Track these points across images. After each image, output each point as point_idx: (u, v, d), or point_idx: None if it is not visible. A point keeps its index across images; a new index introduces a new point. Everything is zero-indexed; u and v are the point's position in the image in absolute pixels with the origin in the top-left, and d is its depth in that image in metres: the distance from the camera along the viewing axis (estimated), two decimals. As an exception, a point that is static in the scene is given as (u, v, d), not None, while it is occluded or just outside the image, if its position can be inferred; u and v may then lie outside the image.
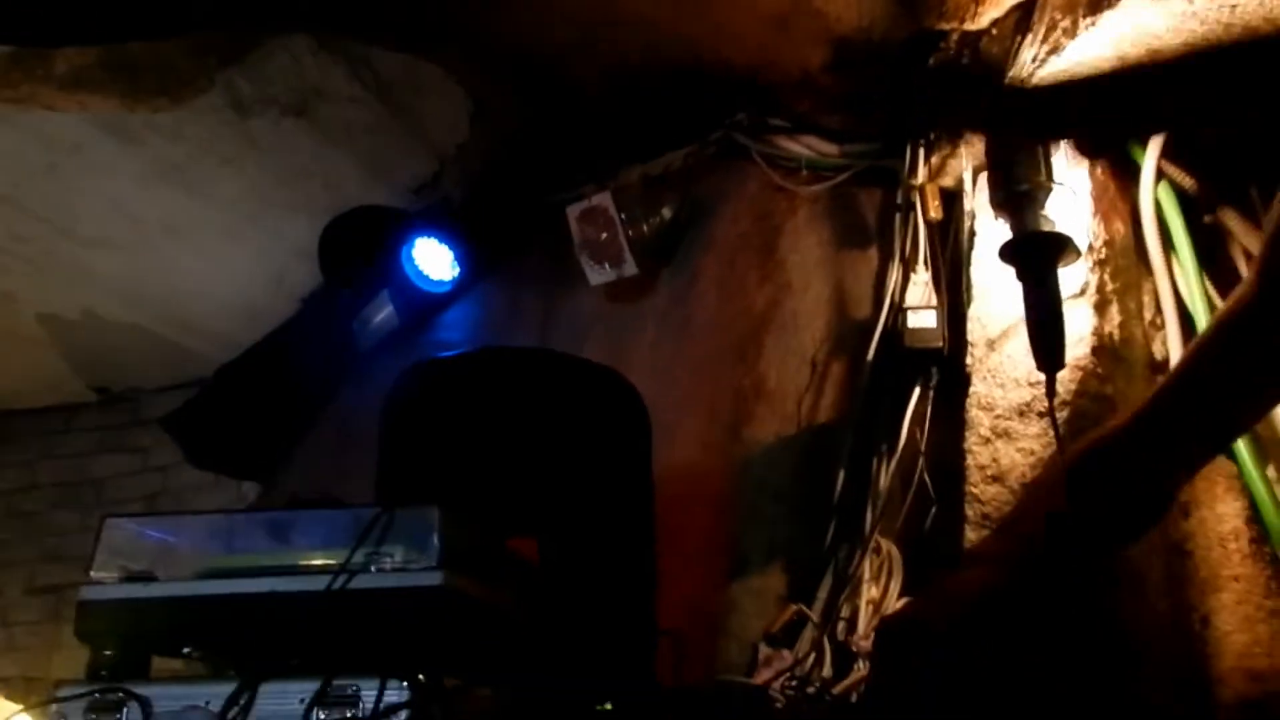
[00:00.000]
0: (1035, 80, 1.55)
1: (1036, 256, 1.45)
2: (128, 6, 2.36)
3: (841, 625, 1.59)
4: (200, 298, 3.63)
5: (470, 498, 1.38)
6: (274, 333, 3.59)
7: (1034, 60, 1.53)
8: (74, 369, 4.03)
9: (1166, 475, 1.24)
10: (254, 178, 3.03)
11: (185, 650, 1.20)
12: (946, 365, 1.72)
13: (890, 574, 1.58)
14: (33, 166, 2.86)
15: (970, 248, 1.75)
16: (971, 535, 1.52)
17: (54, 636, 3.96)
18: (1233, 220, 1.64)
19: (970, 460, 1.56)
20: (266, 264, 3.43)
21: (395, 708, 1.02)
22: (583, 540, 1.56)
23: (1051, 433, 1.44)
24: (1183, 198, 1.67)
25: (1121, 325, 1.57)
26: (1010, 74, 1.57)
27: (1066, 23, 1.50)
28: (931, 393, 1.70)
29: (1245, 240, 1.62)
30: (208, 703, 1.05)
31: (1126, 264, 1.65)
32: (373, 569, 1.12)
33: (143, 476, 4.22)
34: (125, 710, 1.07)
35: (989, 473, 1.52)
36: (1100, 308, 1.56)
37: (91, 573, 1.13)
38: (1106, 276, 1.59)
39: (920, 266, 1.78)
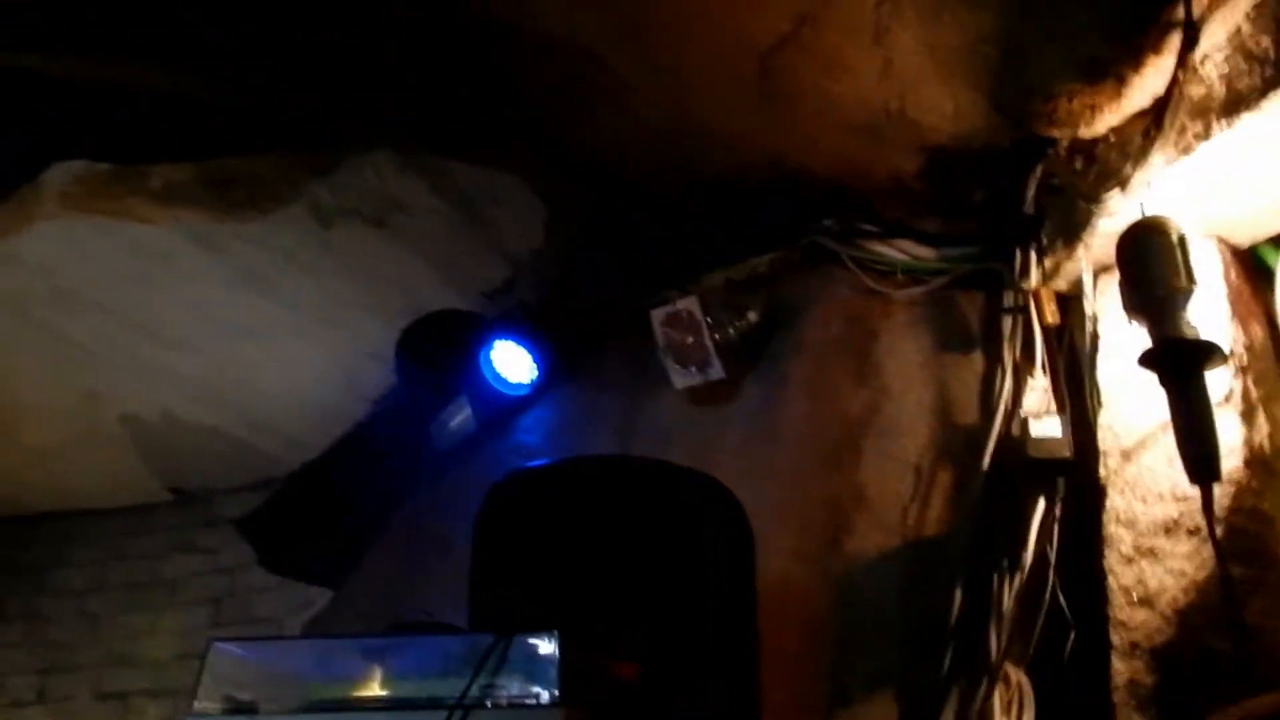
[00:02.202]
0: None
1: (1181, 363, 1.37)
2: (223, 127, 2.43)
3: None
4: (274, 398, 3.65)
5: (574, 619, 1.30)
6: (348, 435, 3.58)
7: (1165, 163, 1.47)
8: (151, 470, 4.06)
9: None
10: (330, 283, 3.07)
11: (288, 787, 1.12)
12: (1075, 476, 1.61)
13: (1023, 707, 1.45)
14: (125, 274, 2.93)
15: (1094, 352, 1.67)
16: (1119, 665, 1.39)
17: (120, 745, 3.90)
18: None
19: (1112, 581, 1.44)
20: (339, 366, 3.45)
21: None
22: (687, 662, 1.47)
23: (1204, 553, 1.33)
24: (1318, 301, 1.59)
25: (1270, 435, 1.47)
26: (1135, 177, 1.51)
27: (1198, 127, 1.45)
28: (1059, 506, 1.59)
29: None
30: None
31: (1267, 369, 1.55)
32: (488, 704, 1.05)
33: (210, 578, 4.18)
34: None
35: (1135, 595, 1.40)
36: (1247, 416, 1.46)
37: (195, 703, 1.07)
38: (1250, 383, 1.50)
39: (1037, 372, 1.68)
